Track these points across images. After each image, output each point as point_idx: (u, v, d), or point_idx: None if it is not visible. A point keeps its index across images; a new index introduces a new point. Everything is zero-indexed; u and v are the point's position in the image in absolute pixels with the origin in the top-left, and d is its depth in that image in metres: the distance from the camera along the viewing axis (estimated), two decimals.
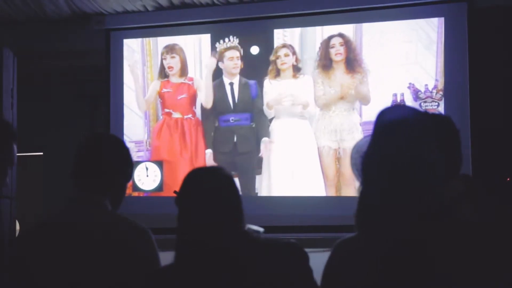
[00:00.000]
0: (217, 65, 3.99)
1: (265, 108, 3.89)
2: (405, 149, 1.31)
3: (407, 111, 1.44)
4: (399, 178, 1.29)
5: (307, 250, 1.55)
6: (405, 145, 1.31)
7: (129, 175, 1.86)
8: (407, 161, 1.30)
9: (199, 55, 4.06)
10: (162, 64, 4.10)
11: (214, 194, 1.53)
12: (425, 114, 1.51)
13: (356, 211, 1.39)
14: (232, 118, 3.95)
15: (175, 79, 4.08)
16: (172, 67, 4.08)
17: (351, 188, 3.71)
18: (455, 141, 1.57)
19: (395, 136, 1.34)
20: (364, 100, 3.73)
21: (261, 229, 2.75)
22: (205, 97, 3.99)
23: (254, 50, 3.94)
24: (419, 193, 1.28)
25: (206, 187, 1.54)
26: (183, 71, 4.07)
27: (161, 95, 4.09)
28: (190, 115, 4.04)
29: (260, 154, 3.87)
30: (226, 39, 3.97)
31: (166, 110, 4.07)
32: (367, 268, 1.30)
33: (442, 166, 1.32)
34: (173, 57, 4.08)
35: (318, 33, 3.86)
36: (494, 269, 1.29)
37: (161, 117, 4.08)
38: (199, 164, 3.95)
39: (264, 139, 3.87)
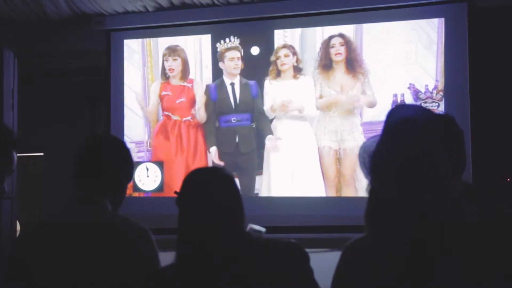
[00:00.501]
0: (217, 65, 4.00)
1: (266, 109, 3.89)
2: (414, 148, 1.31)
3: (417, 111, 1.44)
4: (408, 177, 1.30)
5: (307, 250, 1.55)
6: (414, 145, 1.31)
7: (129, 175, 1.86)
8: (416, 161, 1.30)
9: (200, 55, 4.07)
10: (163, 65, 4.11)
11: (215, 194, 1.52)
12: (434, 114, 1.51)
13: (365, 210, 1.38)
14: (234, 118, 3.95)
15: (175, 81, 4.08)
16: (173, 69, 4.07)
17: (351, 188, 3.71)
18: (460, 141, 1.57)
19: (404, 135, 1.34)
20: (370, 105, 3.72)
21: (263, 229, 2.75)
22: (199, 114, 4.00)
23: (255, 50, 3.95)
24: (427, 192, 1.28)
25: (207, 187, 1.54)
26: (184, 73, 4.07)
27: (161, 97, 4.09)
28: (189, 117, 4.04)
29: (265, 151, 3.87)
30: (227, 39, 3.97)
31: (165, 113, 4.07)
32: (378, 268, 1.31)
33: (450, 166, 1.33)
34: (175, 59, 4.07)
35: (319, 33, 3.86)
36: (496, 270, 1.29)
37: (161, 118, 4.08)
38: (198, 165, 3.95)
39: (270, 136, 3.87)
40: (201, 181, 1.57)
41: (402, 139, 1.33)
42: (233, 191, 1.56)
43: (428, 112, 1.51)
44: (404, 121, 1.37)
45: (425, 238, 1.27)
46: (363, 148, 1.51)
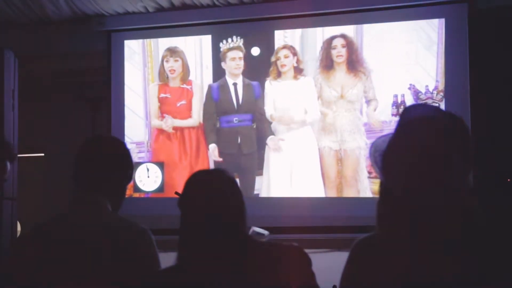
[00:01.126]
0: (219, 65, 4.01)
1: (267, 112, 3.89)
2: (429, 147, 1.31)
3: (432, 110, 1.45)
4: (421, 176, 1.30)
5: (307, 250, 1.55)
6: (428, 144, 1.32)
7: (129, 176, 1.86)
8: (430, 160, 1.30)
9: (200, 56, 4.07)
10: (162, 66, 4.10)
11: (217, 197, 1.52)
12: (448, 113, 1.51)
13: (376, 208, 1.38)
14: (236, 118, 3.95)
15: (174, 83, 4.08)
16: (174, 70, 4.07)
17: (353, 189, 3.71)
18: (469, 142, 1.57)
19: (419, 134, 1.34)
20: (375, 109, 3.71)
21: (266, 232, 2.75)
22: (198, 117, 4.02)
23: (255, 51, 3.95)
24: (440, 192, 1.29)
25: (209, 189, 1.54)
26: (185, 75, 4.07)
27: (160, 100, 4.09)
28: (189, 119, 4.04)
29: (265, 152, 3.87)
30: (229, 39, 3.97)
31: (166, 115, 4.07)
32: (388, 266, 1.31)
33: (462, 165, 1.33)
34: (176, 60, 4.07)
35: (319, 34, 3.86)
36: (501, 270, 1.30)
37: (160, 119, 4.08)
38: (199, 166, 3.95)
39: (272, 136, 3.87)
40: (204, 183, 1.57)
41: (416, 138, 1.34)
42: (235, 194, 1.56)
43: (443, 111, 1.51)
44: (419, 120, 1.37)
45: (436, 237, 1.27)
46: (375, 147, 1.51)
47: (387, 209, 1.36)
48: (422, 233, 1.28)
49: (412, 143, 1.33)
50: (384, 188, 1.40)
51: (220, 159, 3.92)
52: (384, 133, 3.44)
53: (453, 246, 1.27)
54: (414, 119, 1.38)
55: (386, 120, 3.67)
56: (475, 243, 1.29)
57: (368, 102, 3.73)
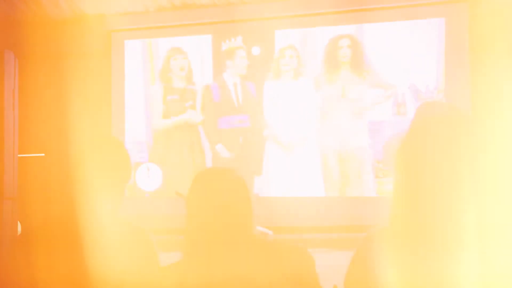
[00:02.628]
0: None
1: (266, 112, 3.89)
2: (441, 146, 1.32)
3: (448, 109, 1.45)
4: (435, 174, 1.30)
5: (309, 250, 1.55)
6: (442, 143, 1.32)
7: (128, 176, 1.86)
8: (444, 159, 1.30)
9: (200, 56, 4.07)
10: (168, 65, 4.09)
11: (224, 195, 1.52)
12: (463, 113, 1.51)
13: (390, 203, 1.39)
14: (237, 119, 3.95)
15: (179, 83, 4.07)
16: (184, 68, 4.07)
17: (356, 189, 3.70)
18: (484, 141, 1.57)
19: (434, 133, 1.34)
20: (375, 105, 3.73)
21: (269, 232, 2.75)
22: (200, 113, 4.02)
23: (255, 51, 3.95)
24: (454, 190, 1.29)
25: (216, 188, 1.53)
26: (190, 74, 4.06)
27: (166, 102, 4.08)
28: (193, 119, 4.04)
29: (265, 152, 3.88)
30: (233, 39, 3.97)
31: (173, 117, 4.06)
32: (398, 259, 1.32)
33: (476, 164, 1.34)
34: (185, 58, 4.08)
35: (320, 34, 3.86)
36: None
37: (163, 119, 4.08)
38: (199, 166, 3.95)
39: (263, 132, 3.87)
40: (211, 182, 1.56)
41: (431, 137, 1.34)
42: (242, 193, 1.56)
43: (459, 110, 1.51)
44: (434, 119, 1.37)
45: (448, 235, 1.27)
46: (387, 145, 1.52)
47: (400, 206, 1.37)
48: (434, 230, 1.28)
49: (427, 142, 1.33)
50: (397, 185, 1.40)
51: (229, 156, 3.92)
52: (385, 133, 3.43)
53: (465, 244, 1.28)
54: (429, 117, 1.38)
55: (387, 120, 3.67)
56: (486, 242, 1.29)
57: (368, 101, 3.73)
